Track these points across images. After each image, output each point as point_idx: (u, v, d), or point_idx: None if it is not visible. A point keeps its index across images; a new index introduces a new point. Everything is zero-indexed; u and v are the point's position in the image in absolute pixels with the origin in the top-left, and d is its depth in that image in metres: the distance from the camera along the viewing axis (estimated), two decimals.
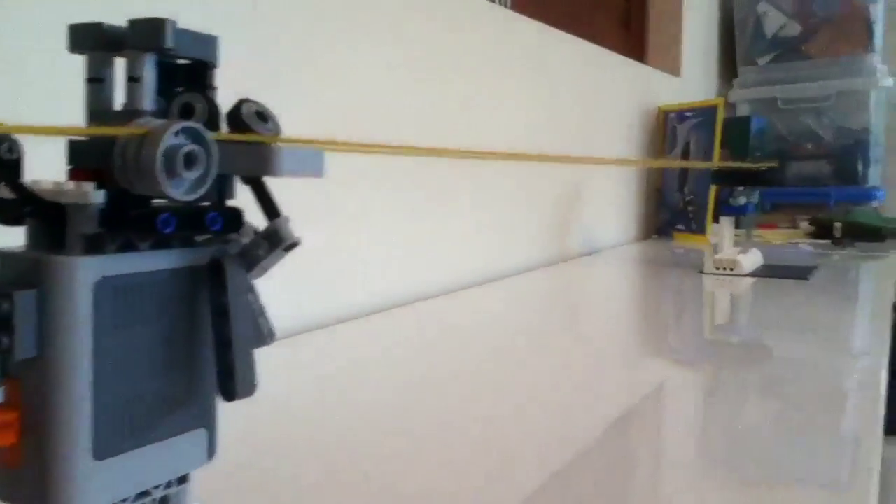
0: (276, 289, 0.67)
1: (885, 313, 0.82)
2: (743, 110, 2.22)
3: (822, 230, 1.60)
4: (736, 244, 1.17)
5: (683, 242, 1.54)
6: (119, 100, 0.26)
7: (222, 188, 0.26)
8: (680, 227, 1.57)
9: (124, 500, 0.24)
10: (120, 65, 0.26)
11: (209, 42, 0.27)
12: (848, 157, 2.10)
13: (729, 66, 2.35)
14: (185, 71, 0.27)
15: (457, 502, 0.34)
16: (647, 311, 0.83)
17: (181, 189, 0.22)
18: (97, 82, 0.26)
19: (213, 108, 0.26)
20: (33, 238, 0.24)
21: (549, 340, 0.67)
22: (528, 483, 0.36)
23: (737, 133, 1.58)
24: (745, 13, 2.26)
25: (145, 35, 0.25)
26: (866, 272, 1.15)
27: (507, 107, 1.07)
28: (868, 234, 1.54)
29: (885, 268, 1.20)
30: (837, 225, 1.54)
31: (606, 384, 0.53)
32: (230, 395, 0.25)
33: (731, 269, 1.06)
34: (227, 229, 0.25)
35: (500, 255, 1.08)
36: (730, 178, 1.12)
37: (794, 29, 2.20)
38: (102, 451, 0.23)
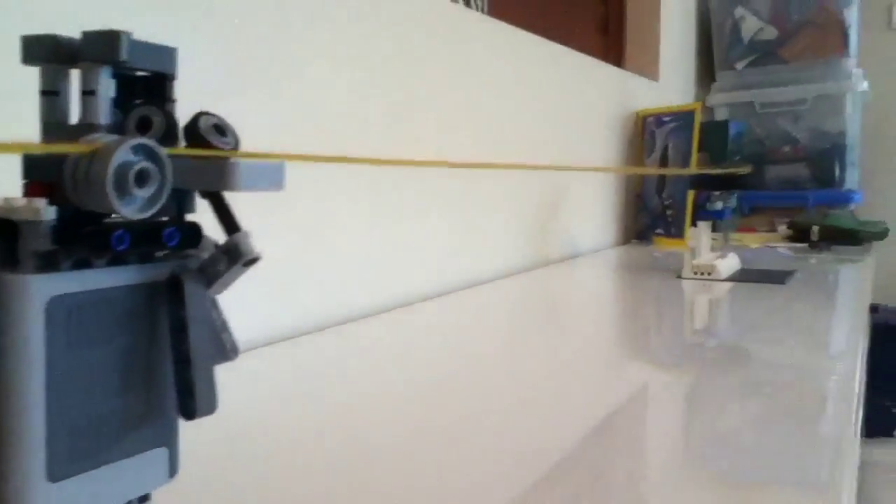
0: (259, 297, 0.67)
1: (860, 317, 0.83)
2: (721, 114, 2.24)
3: (799, 234, 1.61)
4: (714, 248, 1.17)
5: (663, 247, 1.55)
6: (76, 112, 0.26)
7: (181, 202, 0.26)
8: (659, 231, 1.58)
9: None
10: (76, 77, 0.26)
11: (167, 54, 0.26)
12: (825, 160, 2.12)
13: (707, 70, 2.37)
14: (143, 83, 0.27)
15: None
16: (624, 316, 0.83)
17: (133, 207, 0.21)
18: (52, 95, 0.25)
19: (170, 122, 0.26)
20: None
21: (527, 346, 0.67)
22: (509, 490, 0.36)
23: (715, 137, 1.59)
24: (723, 17, 2.28)
25: (100, 47, 0.24)
26: (843, 275, 1.16)
27: (483, 112, 1.07)
28: (845, 238, 1.55)
29: (861, 271, 1.21)
30: (815, 229, 1.55)
31: (585, 389, 0.53)
32: (190, 414, 0.25)
33: (709, 274, 1.06)
34: (185, 245, 0.25)
35: (479, 261, 1.07)
36: (707, 183, 1.13)
37: (771, 33, 2.22)
38: (57, 472, 0.23)
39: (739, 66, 2.25)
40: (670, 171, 1.57)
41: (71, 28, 0.27)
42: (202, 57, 0.63)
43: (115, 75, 0.27)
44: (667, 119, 1.58)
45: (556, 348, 0.67)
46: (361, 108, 0.82)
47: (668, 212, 1.55)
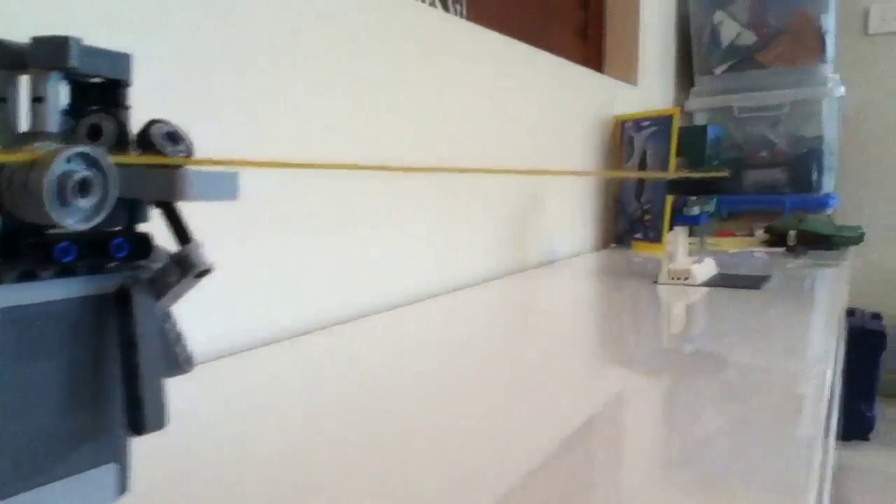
0: (235, 303, 0.66)
1: (833, 322, 0.83)
2: (700, 119, 2.25)
3: (776, 238, 1.62)
4: (691, 253, 1.18)
5: (641, 251, 1.55)
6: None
7: (133, 212, 0.25)
8: (638, 236, 1.58)
9: None
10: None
11: (120, 60, 0.26)
12: (802, 165, 2.13)
13: (686, 75, 2.38)
14: (98, 90, 0.26)
15: None
16: (599, 322, 0.83)
17: (75, 218, 0.21)
18: (0, 102, 0.25)
19: (122, 130, 0.25)
20: None
21: (504, 351, 0.67)
22: (485, 496, 0.35)
23: (693, 142, 1.60)
24: (702, 22, 2.29)
25: (48, 53, 0.24)
26: (818, 280, 1.17)
27: (462, 117, 1.07)
28: (821, 242, 1.56)
29: (836, 275, 1.21)
30: (791, 233, 1.56)
31: (561, 394, 0.53)
32: (138, 429, 0.24)
33: (685, 279, 1.07)
34: (135, 256, 0.24)
35: (457, 267, 1.07)
36: (684, 188, 1.13)
37: (749, 38, 2.24)
38: (2, 490, 0.22)
39: (718, 70, 2.27)
40: (647, 174, 1.57)
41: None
42: (166, 62, 0.63)
43: (70, 82, 0.26)
44: (645, 124, 1.58)
45: (533, 354, 0.67)
46: (337, 113, 0.82)
47: (647, 216, 1.55)
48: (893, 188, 2.51)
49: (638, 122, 1.61)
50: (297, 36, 0.76)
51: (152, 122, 0.25)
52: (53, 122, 0.24)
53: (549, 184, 1.38)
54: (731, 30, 2.25)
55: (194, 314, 0.66)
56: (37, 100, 0.24)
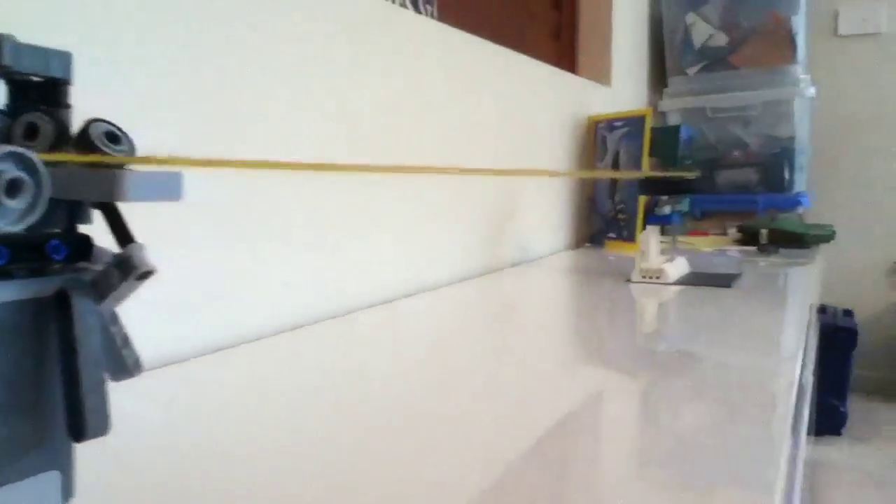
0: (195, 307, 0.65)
1: (802, 318, 0.84)
2: (673, 119, 2.26)
3: (749, 237, 1.63)
4: (665, 252, 1.18)
5: (615, 251, 1.56)
6: None
7: (73, 214, 0.25)
8: (611, 235, 1.59)
9: None
10: None
11: (59, 58, 0.25)
12: (775, 164, 2.15)
13: (659, 75, 2.39)
14: (37, 89, 0.26)
15: None
16: (571, 320, 0.83)
17: (6, 220, 0.20)
18: None
19: (61, 129, 0.24)
20: None
21: (477, 351, 0.67)
22: (460, 495, 0.35)
23: (666, 142, 1.61)
24: (674, 24, 2.31)
25: None
26: (788, 278, 1.18)
27: (434, 118, 1.07)
28: (793, 241, 1.58)
29: (806, 273, 1.22)
30: (763, 232, 1.57)
31: (533, 392, 0.53)
32: (79, 435, 0.23)
33: (657, 278, 1.07)
34: (73, 258, 0.23)
35: (429, 266, 1.07)
36: (657, 188, 1.14)
37: (722, 40, 2.25)
38: None
39: (691, 71, 2.28)
40: (619, 174, 1.58)
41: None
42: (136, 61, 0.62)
43: (7, 81, 0.26)
44: (618, 124, 1.59)
45: (506, 353, 0.67)
46: (307, 114, 0.81)
47: (620, 216, 1.56)
48: (864, 187, 2.54)
49: (611, 123, 1.61)
50: (261, 36, 0.75)
51: (91, 122, 0.24)
52: None
53: (523, 184, 1.38)
54: (703, 31, 2.27)
55: (152, 318, 0.65)
56: None
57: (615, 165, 1.59)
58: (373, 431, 0.46)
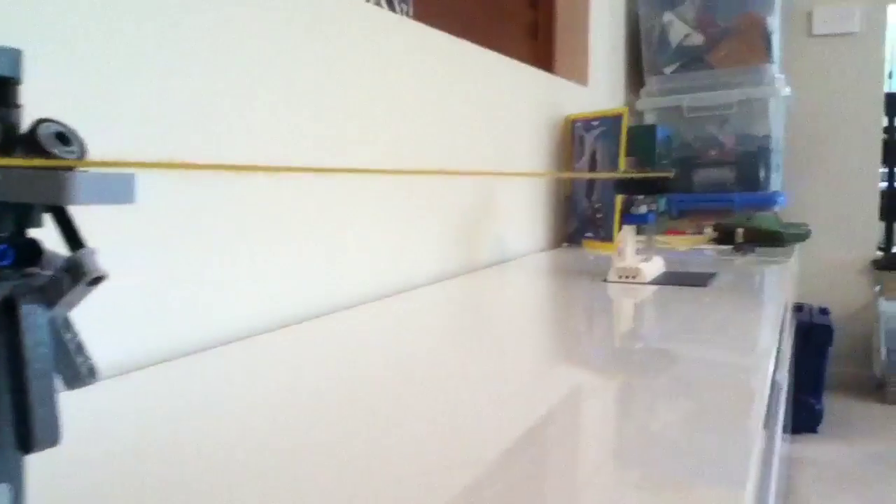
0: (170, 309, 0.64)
1: (775, 315, 0.84)
2: (650, 118, 2.27)
3: (725, 236, 1.64)
4: (642, 251, 1.18)
5: (593, 250, 1.56)
6: None
7: (22, 218, 0.24)
8: (589, 234, 1.59)
9: None
10: None
11: (9, 56, 0.24)
12: (750, 163, 2.17)
13: (636, 75, 2.40)
14: None
15: None
16: (547, 320, 0.82)
17: None
18: None
19: (9, 129, 0.24)
20: None
21: (453, 352, 0.66)
22: (437, 496, 0.35)
23: (642, 141, 1.62)
24: (651, 23, 2.32)
25: None
26: (763, 276, 1.18)
27: (410, 118, 1.06)
28: (768, 239, 1.59)
29: (781, 272, 1.23)
30: (739, 231, 1.58)
31: (506, 392, 0.52)
32: (27, 446, 0.23)
33: (633, 278, 1.07)
34: (21, 263, 0.23)
35: (406, 268, 1.06)
36: (632, 187, 1.14)
37: (698, 39, 2.27)
38: None
39: (668, 71, 2.29)
40: (593, 174, 1.58)
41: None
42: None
43: None
44: (595, 124, 1.59)
45: (482, 353, 0.66)
46: (285, 116, 0.80)
47: (598, 215, 1.56)
48: (838, 185, 2.56)
49: (588, 122, 1.62)
50: (232, 36, 0.74)
51: (40, 122, 0.23)
52: None
53: (501, 184, 1.38)
54: (679, 31, 2.28)
55: (117, 324, 0.64)
56: None
57: (592, 164, 1.59)
58: (346, 432, 0.45)
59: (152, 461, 0.41)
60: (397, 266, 1.04)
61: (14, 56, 0.25)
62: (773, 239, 1.59)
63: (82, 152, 0.24)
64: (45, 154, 0.23)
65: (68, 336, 0.26)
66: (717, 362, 0.63)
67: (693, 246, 1.63)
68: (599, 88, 2.06)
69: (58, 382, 0.25)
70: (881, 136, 2.52)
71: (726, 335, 0.73)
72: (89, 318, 0.60)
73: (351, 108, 0.93)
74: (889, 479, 1.94)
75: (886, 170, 2.63)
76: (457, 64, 1.21)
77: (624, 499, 0.36)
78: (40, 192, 0.22)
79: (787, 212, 2.50)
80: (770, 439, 0.89)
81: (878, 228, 2.60)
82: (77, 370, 0.26)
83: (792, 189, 2.56)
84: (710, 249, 1.56)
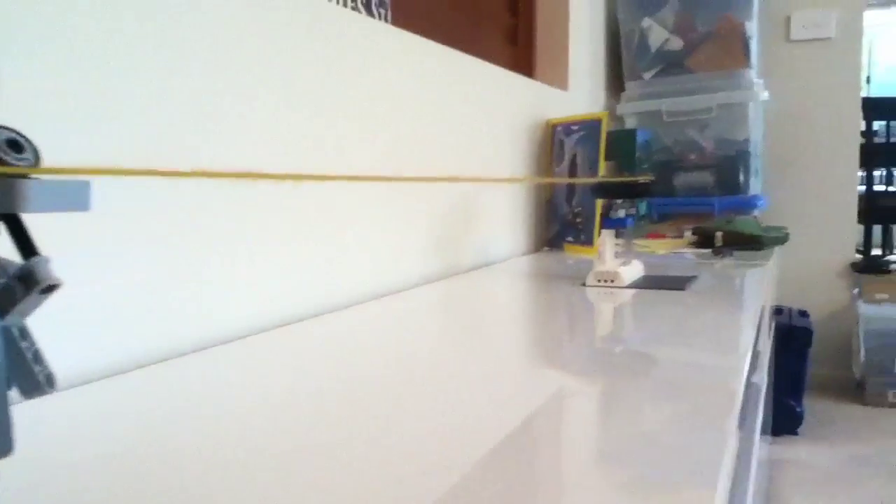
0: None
1: (753, 318, 0.84)
2: (630, 123, 2.28)
3: (704, 239, 1.65)
4: (621, 255, 1.19)
5: (573, 254, 1.56)
6: None
7: None
8: (570, 238, 1.59)
9: None
10: None
11: None
12: (730, 167, 2.18)
13: (616, 79, 2.41)
14: None
15: None
16: (525, 324, 0.83)
17: None
18: None
19: None
20: None
21: (434, 356, 0.66)
22: (420, 499, 0.34)
23: (622, 146, 1.62)
24: (631, 28, 2.33)
25: None
26: (742, 280, 1.19)
27: (390, 124, 1.06)
28: (747, 243, 1.59)
29: (760, 275, 1.24)
30: (718, 234, 1.59)
31: (486, 396, 0.52)
32: None
33: (612, 282, 1.07)
34: None
35: (387, 271, 1.06)
36: (611, 191, 1.14)
37: (677, 44, 2.28)
38: None
39: (647, 75, 2.31)
40: (572, 179, 1.59)
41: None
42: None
43: None
44: (575, 128, 1.59)
45: (463, 356, 0.66)
46: (264, 122, 0.80)
47: (578, 219, 1.57)
48: (817, 189, 2.58)
49: (568, 126, 1.62)
50: (232, 36, 0.74)
51: None
52: None
53: (482, 188, 1.38)
54: (659, 35, 2.29)
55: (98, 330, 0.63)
56: None
57: (572, 169, 1.59)
58: (331, 435, 0.45)
59: (151, 461, 0.41)
60: (378, 270, 1.04)
61: None
62: (753, 242, 1.60)
63: (36, 159, 0.23)
64: None
65: (25, 345, 0.25)
66: (693, 364, 0.63)
67: (673, 249, 1.64)
68: (579, 93, 2.07)
69: (13, 392, 0.25)
70: (859, 139, 2.55)
71: (703, 338, 0.74)
72: (89, 318, 0.60)
73: (329, 114, 0.93)
74: (870, 479, 1.96)
75: (864, 173, 2.66)
76: (436, 69, 1.21)
77: (593, 500, 0.36)
78: None
79: (766, 215, 2.52)
80: (747, 441, 0.89)
81: (856, 231, 2.62)
82: (34, 379, 0.25)
83: (771, 193, 2.58)
84: (690, 253, 1.57)
